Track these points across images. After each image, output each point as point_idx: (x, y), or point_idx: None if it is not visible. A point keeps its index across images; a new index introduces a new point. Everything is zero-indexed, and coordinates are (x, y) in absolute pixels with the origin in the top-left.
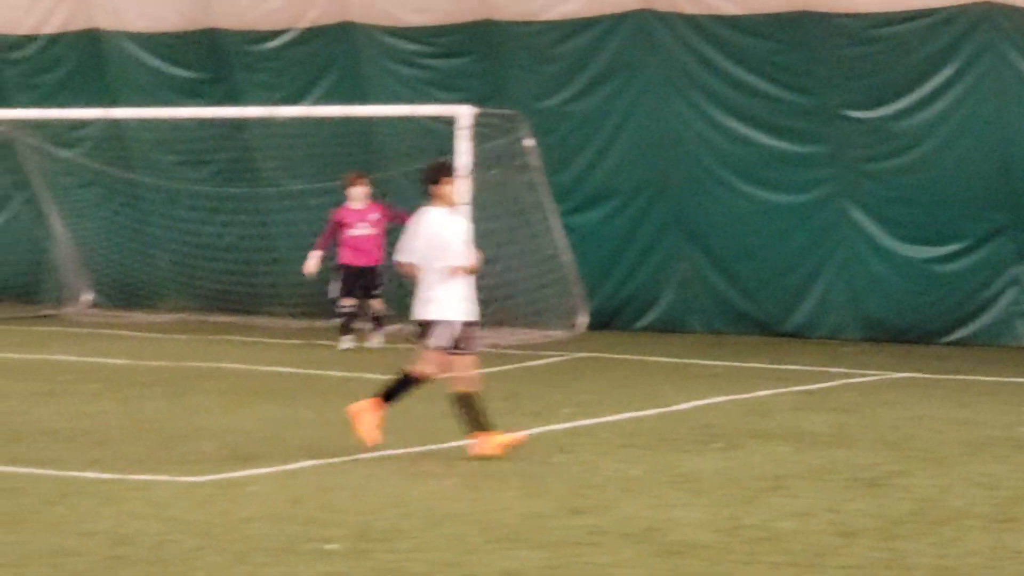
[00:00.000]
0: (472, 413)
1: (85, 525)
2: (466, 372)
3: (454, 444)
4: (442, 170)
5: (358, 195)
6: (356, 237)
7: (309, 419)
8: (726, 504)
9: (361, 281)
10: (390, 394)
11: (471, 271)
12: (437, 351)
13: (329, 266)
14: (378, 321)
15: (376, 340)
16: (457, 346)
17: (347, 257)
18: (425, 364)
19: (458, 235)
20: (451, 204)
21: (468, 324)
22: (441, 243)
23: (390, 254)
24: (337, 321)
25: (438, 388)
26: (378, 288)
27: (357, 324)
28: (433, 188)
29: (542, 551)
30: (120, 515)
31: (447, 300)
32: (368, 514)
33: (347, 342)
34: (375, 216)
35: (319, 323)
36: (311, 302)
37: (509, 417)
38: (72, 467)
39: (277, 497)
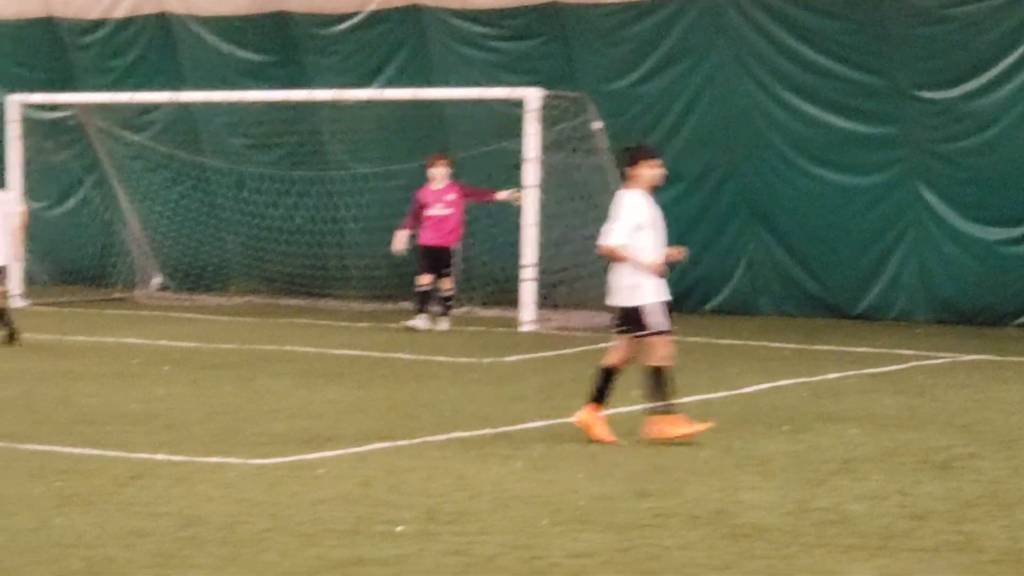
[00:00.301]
0: (662, 392)
1: (156, 506)
2: (665, 350)
3: (523, 427)
4: (643, 152)
5: (438, 175)
6: (433, 217)
7: (379, 401)
8: (795, 487)
9: (436, 261)
10: (600, 393)
11: (678, 255)
12: (653, 335)
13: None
14: (446, 301)
15: (443, 323)
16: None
17: (424, 237)
18: (664, 349)
19: (660, 219)
20: (649, 187)
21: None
22: (642, 227)
23: (466, 234)
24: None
25: (509, 371)
26: (449, 267)
27: (432, 304)
28: (631, 170)
29: (609, 534)
30: (191, 497)
31: (650, 283)
32: (437, 496)
33: (420, 321)
34: (452, 197)
35: (388, 305)
36: (380, 284)
37: (579, 399)
38: (143, 449)
39: (347, 479)
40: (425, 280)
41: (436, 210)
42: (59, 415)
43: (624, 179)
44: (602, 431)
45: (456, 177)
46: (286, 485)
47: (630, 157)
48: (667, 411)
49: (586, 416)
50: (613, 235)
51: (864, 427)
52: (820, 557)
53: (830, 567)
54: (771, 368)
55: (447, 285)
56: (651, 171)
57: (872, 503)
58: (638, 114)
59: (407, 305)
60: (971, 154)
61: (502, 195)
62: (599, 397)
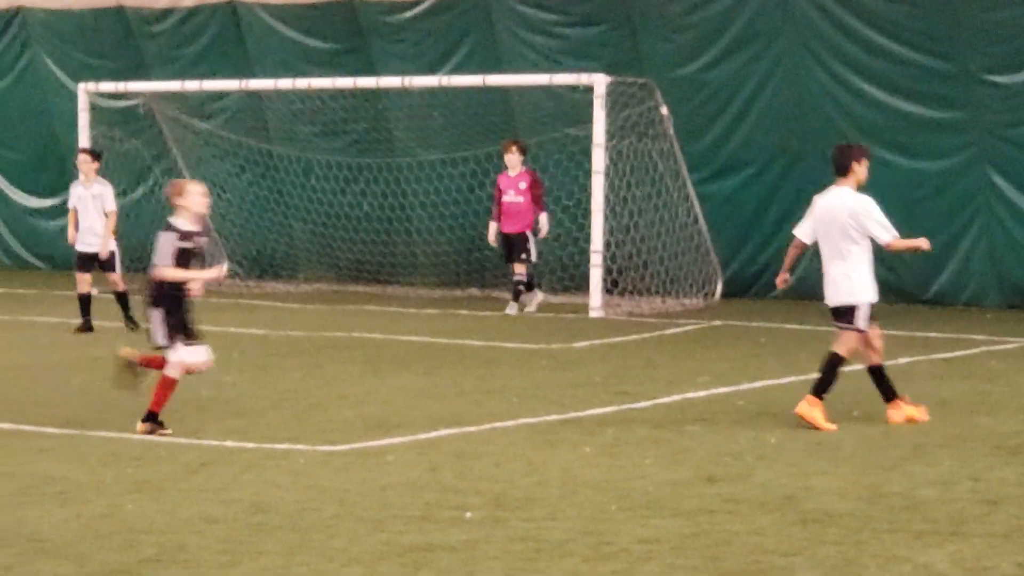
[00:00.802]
0: (887, 382)
1: (226, 493)
2: (879, 345)
3: (591, 412)
4: (860, 151)
5: (511, 162)
6: (507, 204)
7: (447, 388)
8: (866, 472)
9: (512, 247)
10: (824, 386)
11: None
12: (863, 331)
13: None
14: (518, 287)
15: (513, 308)
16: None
17: (506, 223)
18: (845, 344)
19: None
20: (860, 184)
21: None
22: (860, 223)
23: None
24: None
25: (577, 357)
26: (525, 253)
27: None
28: (849, 167)
29: (678, 519)
30: (260, 483)
31: (868, 280)
32: (505, 482)
33: (517, 306)
34: (524, 185)
35: (456, 292)
36: (448, 271)
37: (647, 385)
38: (212, 436)
39: (415, 465)
40: (522, 269)
41: (509, 196)
42: (130, 403)
43: (838, 175)
44: (823, 423)
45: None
46: (354, 471)
47: (853, 155)
48: (817, 394)
49: (808, 408)
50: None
51: (935, 412)
52: (891, 543)
53: (902, 553)
54: None
55: (520, 270)
56: (864, 169)
57: (943, 488)
58: (705, 100)
59: (475, 292)
60: None
61: (543, 223)
62: (823, 389)
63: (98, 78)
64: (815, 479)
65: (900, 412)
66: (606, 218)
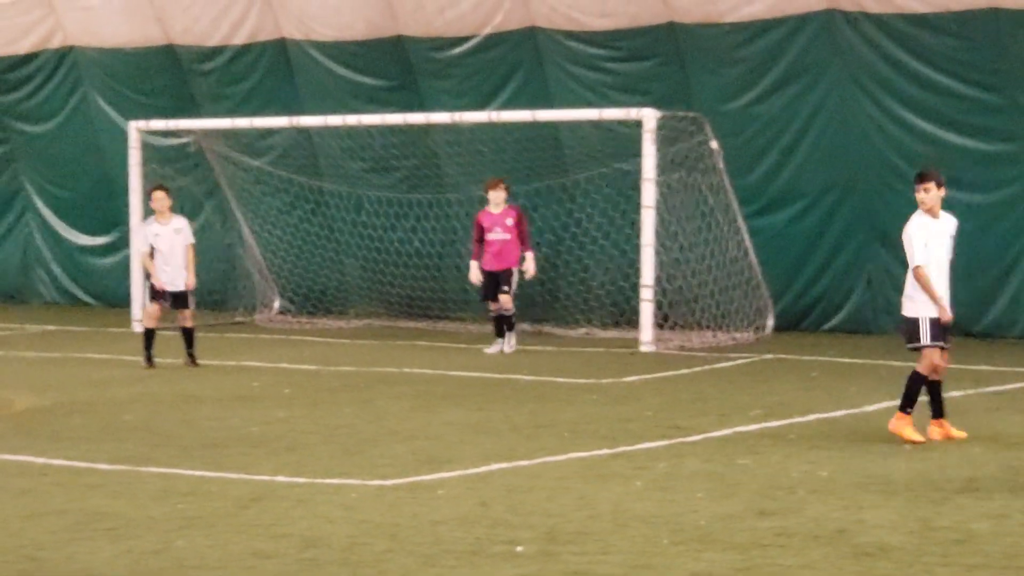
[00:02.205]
0: (939, 399)
1: (277, 528)
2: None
3: (642, 446)
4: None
5: (496, 199)
6: (493, 241)
7: (498, 422)
8: (918, 506)
9: (494, 284)
10: (911, 400)
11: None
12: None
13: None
14: (501, 324)
15: (505, 346)
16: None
17: (485, 262)
18: (926, 360)
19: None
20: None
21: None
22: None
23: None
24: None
25: (627, 391)
26: (507, 286)
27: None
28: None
29: (730, 553)
30: (311, 518)
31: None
32: (556, 516)
33: (499, 345)
34: (510, 221)
35: (535, 325)
36: None
37: (698, 419)
38: (264, 471)
39: (466, 500)
40: (494, 307)
41: (496, 234)
42: (181, 438)
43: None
44: (913, 435)
45: (570, 199)
46: (406, 506)
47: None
48: (904, 410)
49: (900, 424)
50: (919, 257)
51: (987, 445)
52: None
53: None
54: (892, 387)
55: (505, 303)
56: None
57: (996, 522)
58: (754, 134)
59: (525, 327)
60: None
61: (528, 263)
62: (910, 404)
63: (149, 116)
64: (867, 512)
65: (942, 430)
66: (656, 253)
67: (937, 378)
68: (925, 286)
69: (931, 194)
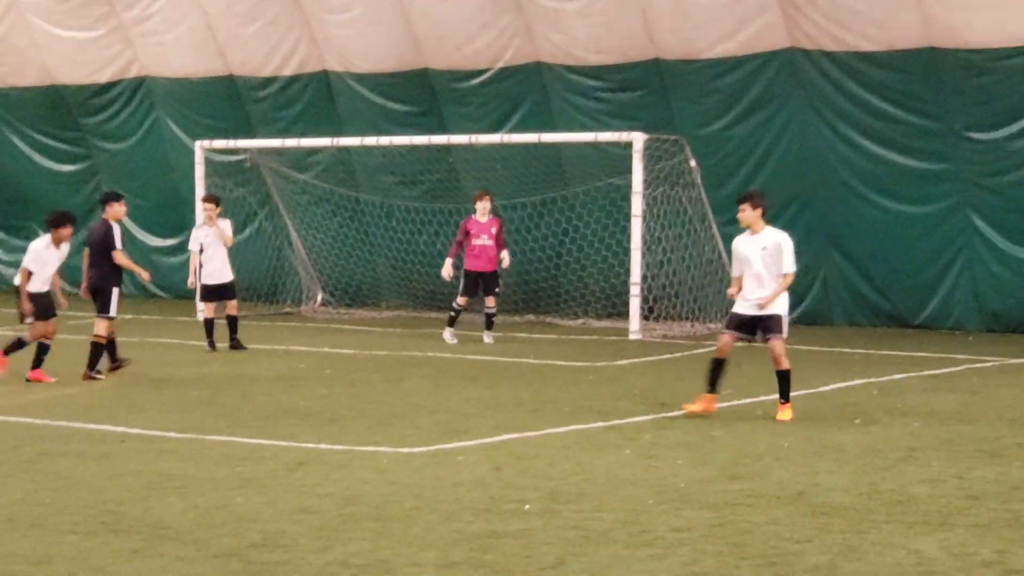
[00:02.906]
0: (716, 375)
1: (320, 488)
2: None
3: (631, 420)
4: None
5: (483, 209)
6: (479, 246)
7: (508, 399)
8: (866, 472)
9: (480, 283)
10: (714, 382)
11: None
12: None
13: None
14: (489, 319)
15: (488, 337)
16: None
17: (471, 264)
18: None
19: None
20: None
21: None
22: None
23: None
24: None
25: (619, 373)
26: (496, 288)
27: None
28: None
29: (706, 511)
30: (349, 480)
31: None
32: (558, 479)
33: (450, 335)
34: (494, 230)
35: (515, 318)
36: (508, 300)
37: (678, 397)
38: (309, 440)
39: (481, 465)
40: (462, 302)
41: (481, 240)
42: (239, 411)
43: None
44: (703, 408)
45: (570, 209)
46: (430, 470)
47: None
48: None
49: (702, 402)
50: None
51: (925, 420)
52: (889, 532)
53: (898, 541)
54: (843, 370)
55: (491, 303)
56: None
57: (933, 486)
58: (727, 154)
59: (531, 317)
60: (1015, 186)
61: (505, 259)
62: (714, 385)
63: (211, 136)
64: (822, 477)
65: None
66: (643, 255)
67: (721, 357)
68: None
69: (746, 214)
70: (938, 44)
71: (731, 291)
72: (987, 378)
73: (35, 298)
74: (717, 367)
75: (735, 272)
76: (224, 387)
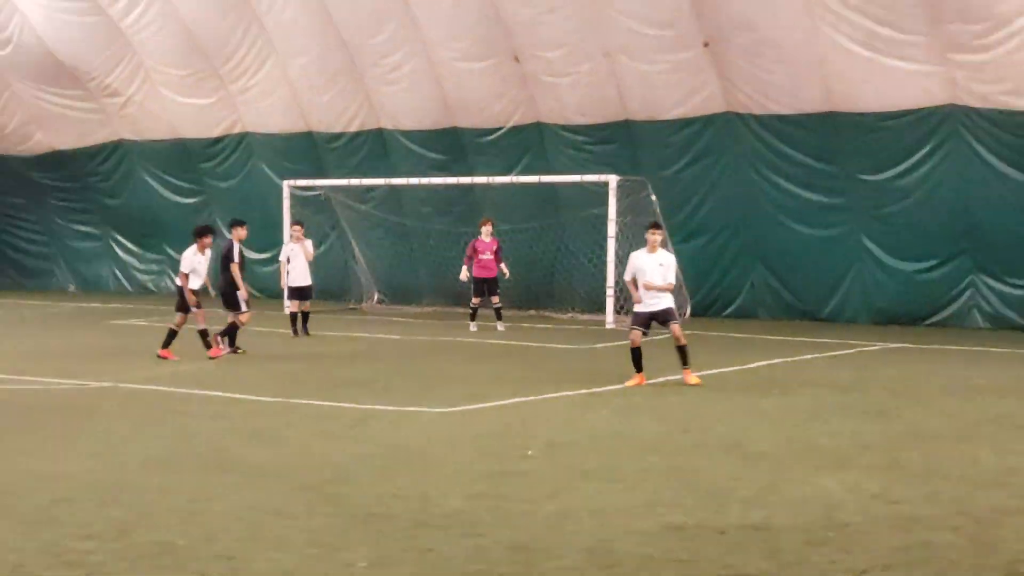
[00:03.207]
0: (685, 355)
1: (377, 439)
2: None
3: (607, 388)
4: (655, 226)
5: (486, 232)
6: (484, 260)
7: (516, 374)
8: (783, 428)
9: (485, 287)
10: (638, 365)
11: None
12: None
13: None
14: (498, 312)
15: (501, 326)
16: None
17: (479, 272)
18: (631, 336)
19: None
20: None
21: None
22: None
23: (573, 266)
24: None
25: (598, 354)
26: (497, 290)
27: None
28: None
29: (664, 457)
30: (398, 432)
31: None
32: (553, 432)
33: (474, 326)
34: (495, 247)
35: (521, 312)
36: (518, 298)
37: (646, 372)
38: (367, 402)
39: (496, 421)
40: (476, 300)
41: (486, 255)
42: (314, 381)
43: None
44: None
45: (561, 231)
46: (458, 425)
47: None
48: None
49: (634, 381)
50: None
51: (827, 389)
52: (799, 472)
53: (806, 479)
54: (767, 352)
55: (496, 301)
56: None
57: (832, 438)
58: (680, 191)
59: (532, 312)
60: (894, 216)
61: (505, 270)
62: (638, 364)
63: (295, 177)
64: (752, 431)
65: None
66: (616, 266)
67: (638, 344)
68: (630, 291)
69: (658, 237)
70: (837, 109)
71: (636, 298)
72: (873, 358)
73: (196, 293)
74: (636, 354)
75: (627, 276)
76: (304, 363)
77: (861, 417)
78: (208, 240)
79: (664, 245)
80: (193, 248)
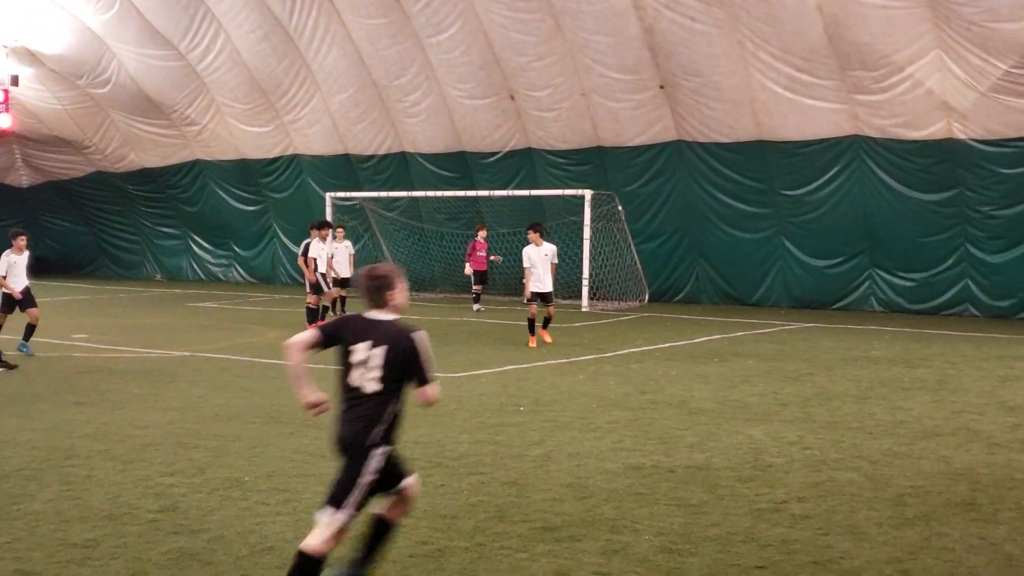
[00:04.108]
0: (548, 322)
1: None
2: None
3: (582, 358)
4: (533, 226)
5: (482, 235)
6: (480, 257)
7: (510, 347)
8: (720, 389)
9: (482, 277)
10: (532, 329)
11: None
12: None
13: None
14: (478, 296)
15: (477, 307)
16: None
17: (476, 265)
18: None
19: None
20: (534, 241)
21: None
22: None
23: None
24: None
25: (575, 331)
26: (485, 281)
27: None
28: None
29: (626, 412)
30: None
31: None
32: (539, 392)
33: (476, 308)
34: (487, 247)
35: (510, 298)
36: (510, 287)
37: (612, 344)
38: None
39: (495, 384)
40: (477, 288)
41: (480, 252)
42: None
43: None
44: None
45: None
46: (464, 387)
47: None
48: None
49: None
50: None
51: (756, 360)
52: (734, 424)
53: (738, 429)
54: (708, 330)
55: (480, 288)
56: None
57: (759, 397)
58: (640, 203)
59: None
60: (809, 223)
61: (496, 258)
62: (532, 329)
63: (335, 189)
64: (695, 392)
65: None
66: (590, 261)
67: (534, 315)
68: (527, 277)
69: (537, 235)
70: (764, 138)
71: (527, 282)
72: (792, 335)
73: (322, 276)
74: (532, 322)
75: (526, 264)
76: None
77: (781, 381)
78: (325, 232)
79: (546, 238)
80: (316, 238)
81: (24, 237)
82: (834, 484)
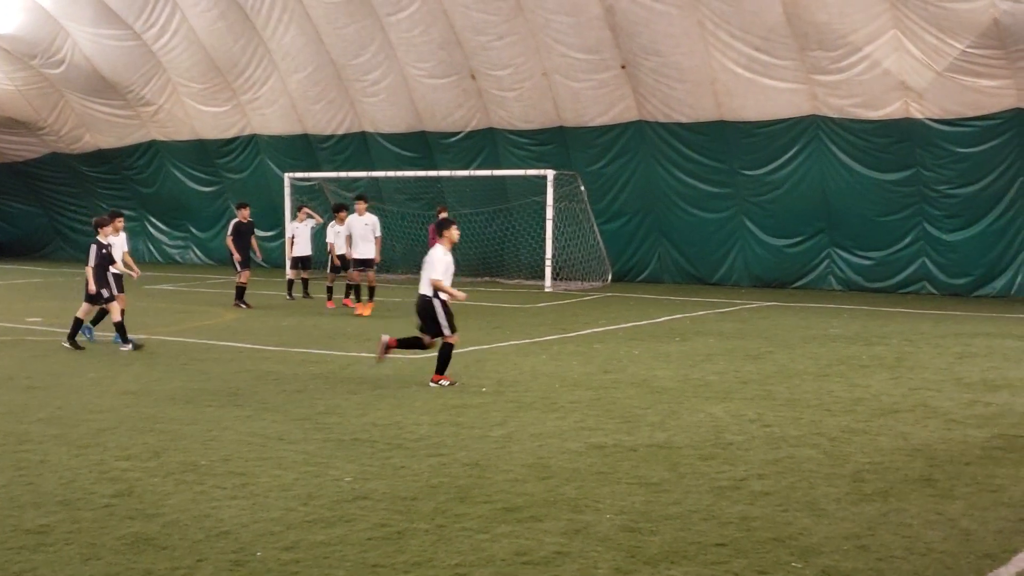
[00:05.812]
0: (372, 294)
1: (360, 379)
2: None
3: (546, 338)
4: (444, 224)
5: (443, 216)
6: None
7: (473, 327)
8: (682, 368)
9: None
10: (357, 294)
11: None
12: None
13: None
14: None
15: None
16: None
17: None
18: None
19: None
20: (360, 213)
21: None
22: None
23: (523, 242)
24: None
25: (539, 311)
26: None
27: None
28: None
29: (589, 391)
30: (378, 374)
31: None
32: (503, 373)
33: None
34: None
35: (475, 279)
36: (473, 267)
37: (575, 324)
38: (352, 350)
39: (457, 364)
40: None
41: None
42: (310, 334)
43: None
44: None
45: (509, 215)
46: (426, 368)
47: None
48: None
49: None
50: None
51: (717, 338)
52: (695, 402)
53: (699, 408)
54: (670, 309)
55: None
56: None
57: (720, 376)
58: (603, 183)
59: (487, 278)
60: (769, 203)
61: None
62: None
63: (294, 170)
64: (657, 371)
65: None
66: (553, 242)
67: (357, 282)
68: (346, 247)
69: (362, 206)
70: (725, 118)
71: (348, 253)
72: (753, 313)
73: (343, 258)
74: (357, 289)
75: (344, 234)
76: (301, 319)
77: (742, 359)
78: (343, 215)
79: (371, 210)
80: (332, 222)
81: None
82: (793, 461)
